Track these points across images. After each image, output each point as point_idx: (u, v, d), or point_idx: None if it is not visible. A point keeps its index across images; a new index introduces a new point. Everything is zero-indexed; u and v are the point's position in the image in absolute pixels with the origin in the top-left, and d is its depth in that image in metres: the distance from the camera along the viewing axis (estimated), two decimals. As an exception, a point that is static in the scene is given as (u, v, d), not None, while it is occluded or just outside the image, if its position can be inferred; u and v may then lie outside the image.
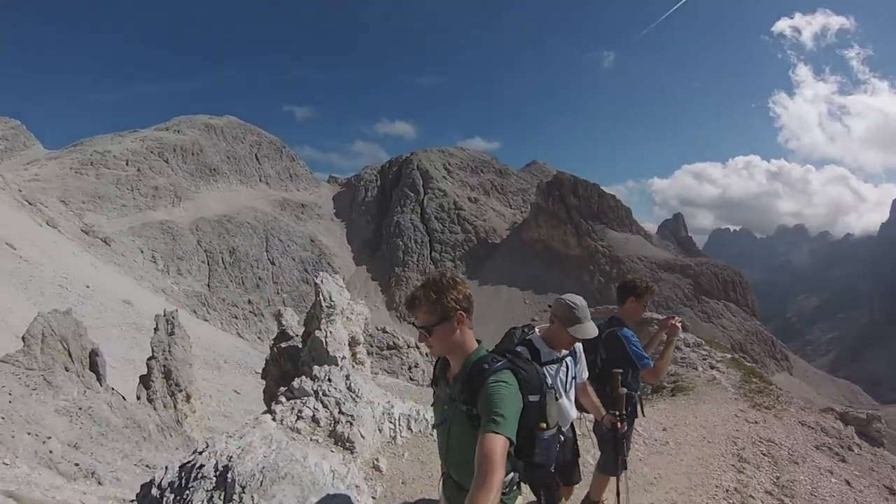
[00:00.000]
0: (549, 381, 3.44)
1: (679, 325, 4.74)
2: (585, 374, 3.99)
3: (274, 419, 5.78)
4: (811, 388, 76.15)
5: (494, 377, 2.34)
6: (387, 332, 16.56)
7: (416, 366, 15.59)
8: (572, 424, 3.89)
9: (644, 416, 4.87)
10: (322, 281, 12.20)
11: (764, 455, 8.17)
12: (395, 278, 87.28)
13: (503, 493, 2.30)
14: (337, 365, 10.50)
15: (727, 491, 6.57)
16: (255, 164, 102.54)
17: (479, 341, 2.55)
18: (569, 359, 3.71)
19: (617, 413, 3.93)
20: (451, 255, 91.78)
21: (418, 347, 16.06)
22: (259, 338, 62.13)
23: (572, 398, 3.76)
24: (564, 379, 3.67)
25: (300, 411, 6.03)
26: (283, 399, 6.36)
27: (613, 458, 4.23)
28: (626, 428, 4.02)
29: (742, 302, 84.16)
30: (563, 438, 3.66)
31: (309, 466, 4.49)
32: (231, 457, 4.43)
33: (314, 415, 6.02)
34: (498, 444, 2.11)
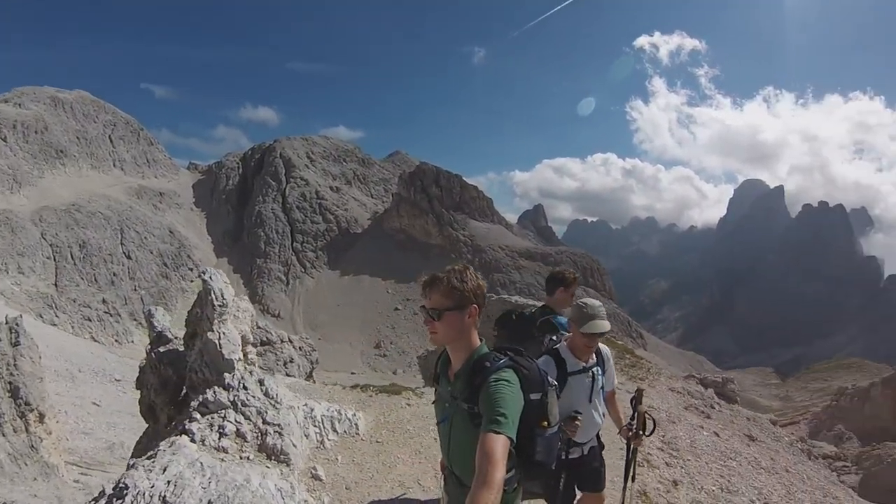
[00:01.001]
0: (551, 378, 3.31)
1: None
2: (614, 383, 4.07)
3: (193, 440, 4.96)
4: (663, 360, 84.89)
5: (496, 375, 2.31)
6: (259, 328, 15.61)
7: (291, 361, 14.74)
8: (598, 434, 3.91)
9: None
10: (211, 277, 11.03)
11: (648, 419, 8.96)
12: (258, 270, 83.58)
13: (504, 491, 2.19)
14: (233, 369, 9.58)
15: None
16: (109, 147, 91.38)
17: (481, 339, 2.51)
18: (596, 368, 3.74)
19: (634, 427, 4.04)
20: (313, 245, 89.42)
21: (291, 342, 15.17)
22: (117, 341, 55.88)
23: (599, 408, 3.79)
24: (590, 389, 3.70)
25: (221, 427, 5.27)
26: (197, 415, 5.51)
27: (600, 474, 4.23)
28: (641, 443, 4.14)
29: (600, 287, 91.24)
30: (586, 449, 3.81)
31: (256, 489, 3.89)
32: (164, 496, 3.65)
33: (238, 429, 5.32)
34: (499, 443, 2.10)
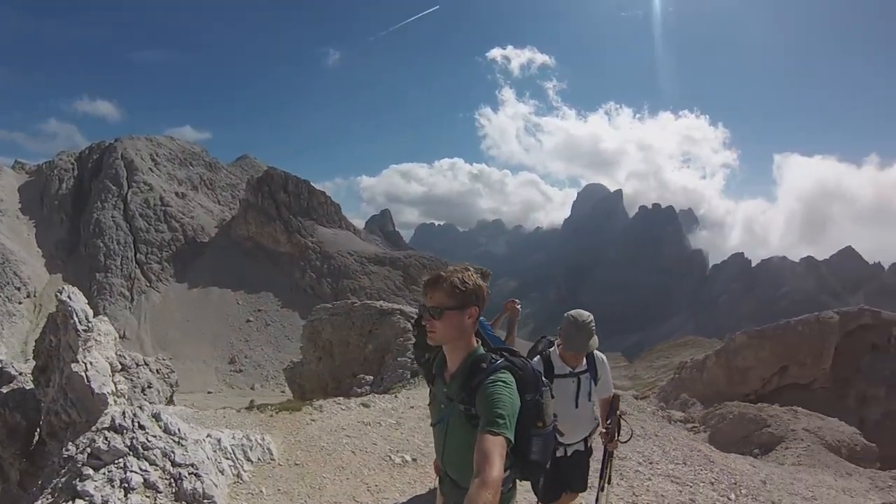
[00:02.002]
0: (546, 379, 3.36)
1: (518, 306, 5.07)
2: (610, 390, 4.12)
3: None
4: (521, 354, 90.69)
5: (492, 377, 2.32)
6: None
7: (150, 386, 13.28)
8: (587, 439, 4.02)
9: None
10: (70, 297, 9.55)
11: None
12: (98, 286, 74.53)
13: (501, 492, 2.20)
14: (107, 404, 8.33)
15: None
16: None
17: (478, 341, 2.52)
18: (584, 375, 3.86)
19: (609, 429, 4.08)
20: (158, 256, 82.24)
21: (147, 364, 13.60)
22: None
23: (584, 413, 3.90)
24: (575, 393, 3.83)
25: (125, 481, 4.46)
26: (89, 471, 4.62)
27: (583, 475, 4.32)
28: (616, 446, 4.20)
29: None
30: (570, 451, 3.91)
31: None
32: None
33: (146, 479, 4.56)
34: (497, 444, 2.10)
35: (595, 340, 3.81)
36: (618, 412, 4.09)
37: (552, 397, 3.03)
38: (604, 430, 4.08)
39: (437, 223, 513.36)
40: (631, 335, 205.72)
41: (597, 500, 4.50)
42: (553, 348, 3.91)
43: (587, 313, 3.89)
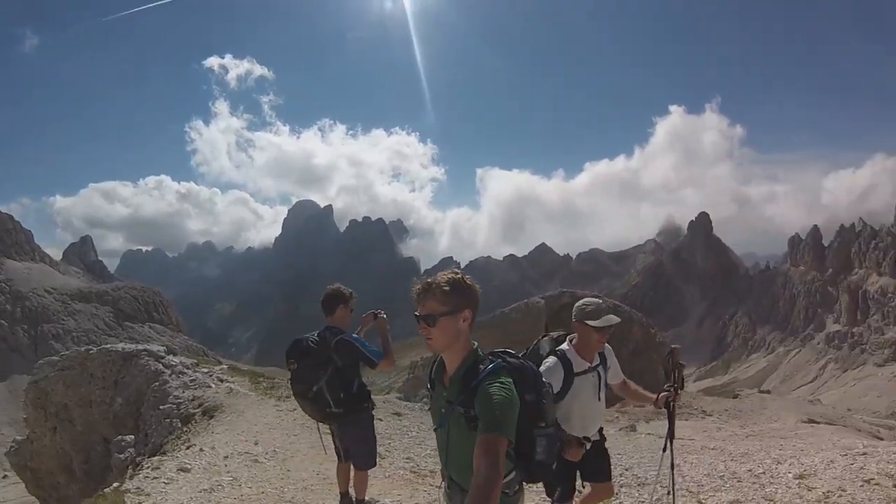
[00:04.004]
0: (545, 378, 3.24)
1: (383, 315, 5.19)
2: (621, 375, 4.17)
3: None
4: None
5: (491, 378, 2.34)
6: None
7: None
8: (601, 429, 4.11)
9: None
10: None
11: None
12: None
13: (505, 494, 2.33)
14: None
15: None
16: None
17: (474, 343, 2.54)
18: (601, 367, 3.90)
19: (674, 385, 4.02)
20: None
21: None
22: None
23: (603, 404, 3.97)
24: (597, 387, 3.86)
25: None
26: None
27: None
28: (679, 398, 4.13)
29: (166, 321, 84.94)
30: (589, 444, 3.90)
31: None
32: None
33: None
34: (497, 445, 2.13)
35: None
36: (678, 365, 4.08)
37: (562, 398, 3.59)
38: (666, 391, 4.03)
39: (144, 249, 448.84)
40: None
41: (671, 457, 4.42)
42: (566, 346, 3.83)
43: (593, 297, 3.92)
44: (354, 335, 4.91)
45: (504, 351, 2.56)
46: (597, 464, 4.08)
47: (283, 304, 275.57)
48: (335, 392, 4.63)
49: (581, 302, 3.89)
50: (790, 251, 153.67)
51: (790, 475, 6.73)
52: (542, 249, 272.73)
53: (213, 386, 11.84)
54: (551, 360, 3.73)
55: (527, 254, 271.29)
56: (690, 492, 6.39)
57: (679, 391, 4.02)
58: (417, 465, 7.89)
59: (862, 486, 5.94)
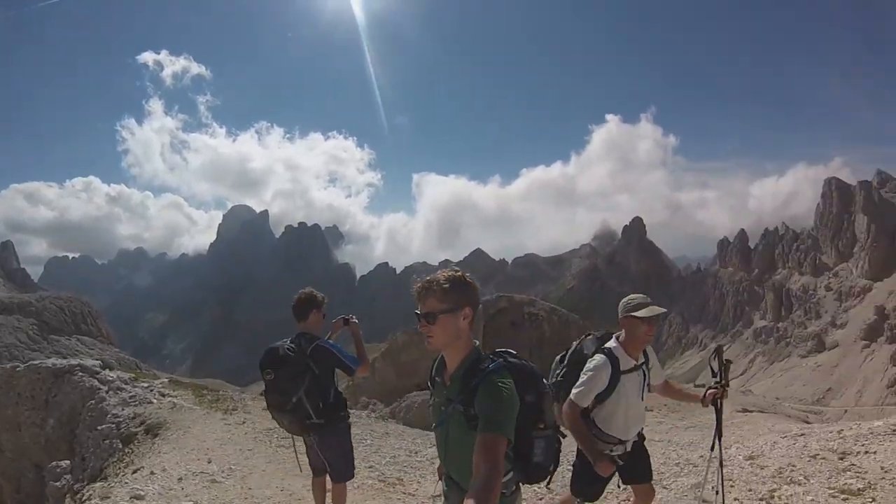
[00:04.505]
0: (548, 381, 3.51)
1: (355, 320, 5.05)
2: (663, 375, 4.22)
3: None
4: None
5: (491, 377, 2.34)
6: None
7: None
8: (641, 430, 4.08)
9: None
10: None
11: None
12: None
13: (502, 494, 2.31)
14: None
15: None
16: None
17: (476, 342, 2.54)
18: (645, 366, 3.87)
19: (721, 383, 3.99)
20: None
21: None
22: None
23: (644, 406, 3.97)
24: (641, 386, 3.85)
25: None
26: None
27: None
28: (727, 395, 4.07)
29: (96, 333, 79.55)
30: (629, 445, 3.92)
31: None
32: None
33: None
34: (496, 444, 2.14)
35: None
36: (727, 361, 4.07)
37: (607, 398, 3.67)
38: (714, 388, 4.00)
39: (70, 255, 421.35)
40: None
41: (720, 456, 4.35)
42: (613, 343, 3.80)
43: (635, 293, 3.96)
44: (331, 341, 4.70)
45: (505, 351, 2.56)
46: (637, 466, 4.06)
47: (219, 313, 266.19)
48: (315, 401, 4.39)
49: (626, 298, 3.85)
50: (719, 253, 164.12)
51: (741, 457, 7.27)
52: (478, 255, 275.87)
53: (155, 402, 11.14)
54: (599, 357, 3.70)
55: (462, 259, 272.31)
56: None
57: (727, 388, 4.00)
58: (382, 474, 7.75)
59: (809, 461, 6.50)
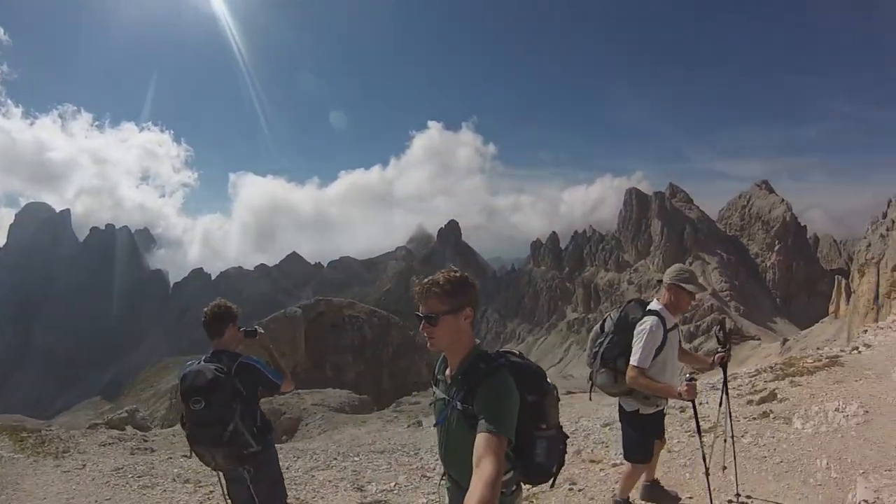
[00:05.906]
0: (589, 351, 4.53)
1: (262, 331, 4.59)
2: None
3: None
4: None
5: (492, 376, 2.34)
6: None
7: None
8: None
9: None
10: None
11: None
12: None
13: (503, 493, 2.31)
14: None
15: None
16: None
17: (477, 341, 2.54)
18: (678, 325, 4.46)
19: (727, 347, 4.60)
20: None
21: None
22: None
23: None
24: (679, 343, 4.44)
25: None
26: None
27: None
28: (731, 358, 4.73)
29: None
30: (660, 402, 4.50)
31: None
32: None
33: None
34: (497, 444, 2.12)
35: None
36: (730, 330, 4.63)
37: (657, 354, 4.17)
38: (721, 352, 4.57)
39: None
40: (105, 371, 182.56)
41: (728, 408, 5.15)
42: (658, 305, 4.32)
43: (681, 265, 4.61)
44: (256, 359, 4.11)
45: (507, 350, 2.55)
46: (660, 426, 4.66)
47: (12, 334, 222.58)
48: (249, 426, 3.88)
49: (677, 268, 4.44)
50: (532, 254, 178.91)
51: (598, 425, 8.38)
52: (293, 258, 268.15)
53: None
54: (652, 318, 4.20)
55: (278, 263, 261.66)
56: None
57: (730, 352, 4.68)
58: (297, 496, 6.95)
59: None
